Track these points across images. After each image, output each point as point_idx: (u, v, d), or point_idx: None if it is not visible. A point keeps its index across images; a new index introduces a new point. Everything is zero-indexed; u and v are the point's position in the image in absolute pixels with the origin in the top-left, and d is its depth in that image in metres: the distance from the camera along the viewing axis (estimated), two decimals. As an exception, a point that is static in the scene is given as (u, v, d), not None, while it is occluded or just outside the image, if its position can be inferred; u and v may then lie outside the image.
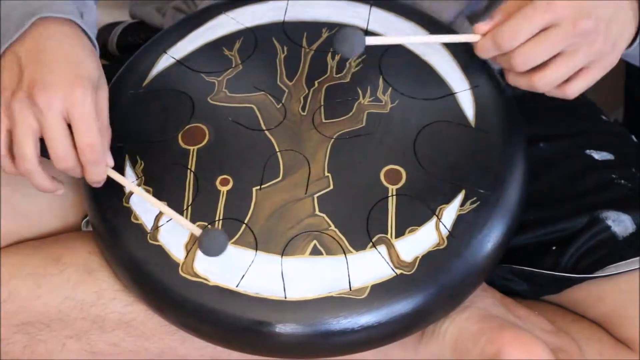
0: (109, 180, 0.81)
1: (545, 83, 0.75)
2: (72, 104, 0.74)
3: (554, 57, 0.74)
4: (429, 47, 0.89)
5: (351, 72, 0.87)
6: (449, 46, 0.89)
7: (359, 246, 0.77)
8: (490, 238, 0.79)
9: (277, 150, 0.82)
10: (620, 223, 0.85)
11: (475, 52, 0.80)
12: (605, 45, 0.74)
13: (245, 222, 0.78)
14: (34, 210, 0.87)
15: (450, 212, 0.79)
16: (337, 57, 0.88)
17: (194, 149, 0.83)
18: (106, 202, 0.81)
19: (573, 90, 0.76)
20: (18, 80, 0.75)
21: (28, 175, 0.77)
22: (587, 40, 0.73)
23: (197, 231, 0.76)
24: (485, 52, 0.76)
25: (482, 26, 0.76)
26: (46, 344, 0.83)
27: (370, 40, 0.80)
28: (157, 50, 0.90)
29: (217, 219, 0.79)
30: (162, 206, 0.78)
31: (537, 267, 0.85)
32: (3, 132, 0.76)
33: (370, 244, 0.77)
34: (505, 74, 0.81)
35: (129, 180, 0.80)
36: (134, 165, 0.82)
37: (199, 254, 0.77)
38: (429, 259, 0.77)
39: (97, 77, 0.77)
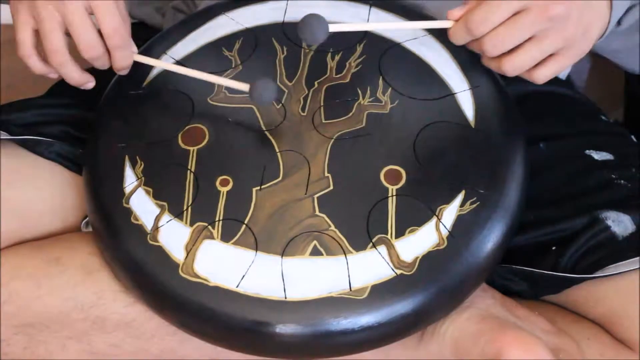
0: (109, 182, 0.81)
1: (513, 67, 0.75)
2: None
3: (525, 41, 0.74)
4: (428, 47, 0.89)
5: (351, 73, 0.87)
6: (449, 46, 0.89)
7: (359, 246, 0.77)
8: (491, 238, 0.79)
9: (277, 150, 0.82)
10: (620, 223, 0.85)
11: (449, 38, 0.80)
12: (576, 31, 0.74)
13: (245, 222, 0.78)
14: (34, 210, 0.87)
15: (450, 213, 0.79)
16: (337, 58, 0.88)
17: (193, 150, 0.83)
18: (106, 202, 0.81)
19: (541, 76, 0.76)
20: None
21: (60, 67, 0.82)
22: (557, 26, 0.72)
23: (245, 86, 0.80)
24: (458, 38, 0.76)
25: (455, 12, 0.76)
26: (46, 345, 0.83)
27: (334, 27, 0.79)
28: (157, 51, 0.90)
29: (217, 219, 0.79)
30: (201, 74, 0.83)
31: (537, 267, 0.85)
32: (29, 32, 0.80)
33: (371, 244, 0.77)
34: (481, 57, 0.81)
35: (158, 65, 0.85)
36: (133, 165, 0.82)
37: (199, 254, 0.77)
38: (429, 259, 0.77)
39: None
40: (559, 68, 0.75)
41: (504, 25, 0.72)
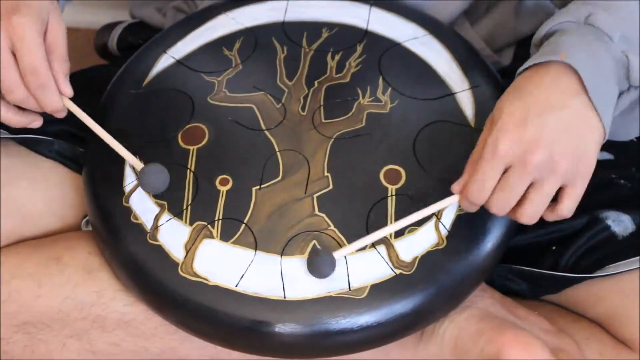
0: (109, 181, 0.81)
1: (529, 218, 0.74)
2: (13, 31, 0.74)
3: (528, 189, 0.73)
4: (428, 47, 0.89)
5: (351, 72, 0.87)
6: (449, 46, 0.89)
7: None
8: (490, 238, 0.79)
9: (277, 150, 0.82)
10: (620, 223, 0.85)
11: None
12: (570, 162, 0.72)
13: (245, 221, 0.78)
14: (34, 210, 0.87)
15: (449, 212, 0.79)
16: (337, 57, 0.88)
17: (193, 149, 0.83)
18: (106, 201, 0.81)
19: (565, 212, 0.74)
20: None
21: None
22: (546, 169, 0.71)
23: (139, 165, 0.78)
24: (469, 209, 0.76)
25: (455, 186, 0.75)
26: (46, 344, 0.83)
27: (338, 254, 0.76)
28: (157, 50, 0.90)
29: (216, 218, 0.79)
30: (103, 133, 0.80)
31: (537, 267, 0.85)
32: None
33: (370, 243, 0.77)
34: None
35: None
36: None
37: (199, 253, 0.77)
38: (429, 259, 0.77)
39: (43, 6, 0.76)
40: (576, 198, 0.74)
41: (498, 189, 0.72)
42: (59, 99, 0.78)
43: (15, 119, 0.79)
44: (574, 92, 0.72)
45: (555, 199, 0.74)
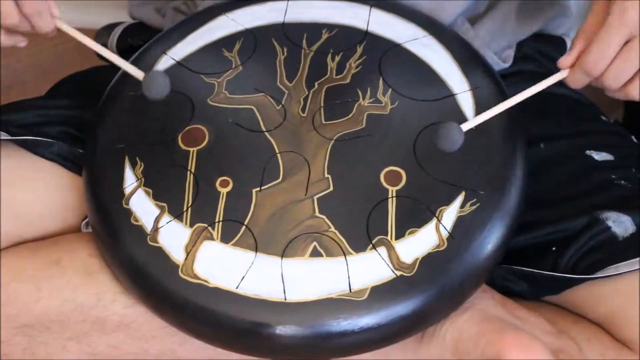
0: (109, 183, 0.81)
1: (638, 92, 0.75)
2: None
3: None
4: (429, 48, 0.89)
5: (351, 74, 0.87)
6: (449, 47, 0.89)
7: (359, 248, 0.77)
8: (491, 239, 0.79)
9: (277, 151, 0.82)
10: (620, 224, 0.85)
11: (568, 85, 0.79)
12: None
13: (245, 223, 0.78)
14: (34, 211, 0.87)
15: (450, 214, 0.79)
16: (337, 58, 0.88)
17: (193, 151, 0.83)
18: (106, 203, 0.81)
19: None
20: None
21: None
22: None
23: (140, 74, 0.80)
24: (578, 83, 0.76)
25: (566, 60, 0.76)
26: (46, 346, 0.83)
27: (466, 125, 0.78)
28: (156, 52, 0.90)
29: (217, 220, 0.79)
30: (99, 48, 0.84)
31: (537, 267, 0.85)
32: None
33: (370, 245, 0.77)
34: (605, 91, 0.81)
35: None
36: (133, 166, 0.82)
37: (199, 255, 0.77)
38: (429, 261, 0.77)
39: None
40: None
41: (619, 59, 0.73)
42: (52, 20, 0.83)
43: (3, 40, 0.82)
44: None
45: None
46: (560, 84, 1.03)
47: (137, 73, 0.83)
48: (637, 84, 0.74)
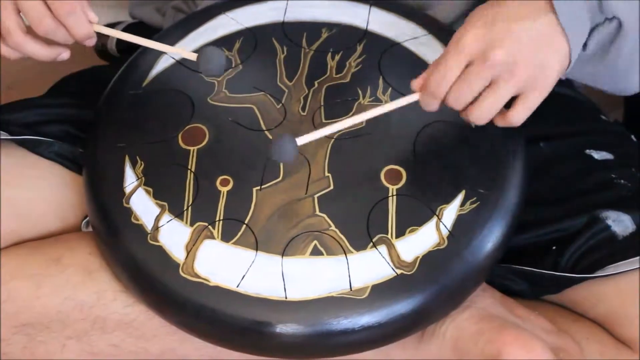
0: (110, 182, 0.81)
1: (479, 116, 0.76)
2: None
3: (484, 90, 0.75)
4: (428, 46, 0.89)
5: (351, 72, 0.87)
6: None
7: (360, 246, 0.77)
8: (491, 238, 0.79)
9: (277, 150, 0.82)
10: (620, 223, 0.85)
11: (422, 108, 0.80)
12: (529, 72, 0.74)
13: (246, 222, 0.78)
14: (34, 210, 0.87)
15: (450, 212, 0.79)
16: (337, 57, 0.88)
17: (194, 150, 0.83)
18: (106, 202, 0.81)
19: (514, 119, 0.77)
20: None
21: (20, 48, 0.80)
22: (505, 71, 0.74)
23: (193, 55, 0.78)
24: (428, 105, 0.78)
25: (415, 83, 0.78)
26: (46, 345, 0.83)
27: (301, 140, 0.76)
28: (156, 51, 0.90)
29: (217, 219, 0.79)
30: (155, 43, 0.81)
31: (537, 267, 0.85)
32: None
33: (371, 244, 0.77)
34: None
35: None
36: (134, 165, 0.82)
37: (200, 254, 0.77)
38: (430, 259, 0.77)
39: None
40: (528, 108, 0.76)
41: (458, 81, 0.75)
42: (89, 24, 0.80)
43: (43, 52, 0.81)
44: (545, 10, 0.74)
45: (508, 107, 0.77)
46: (562, 84, 1.03)
47: (189, 55, 0.80)
48: (474, 109, 0.76)
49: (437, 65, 0.75)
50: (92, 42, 0.82)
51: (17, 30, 0.79)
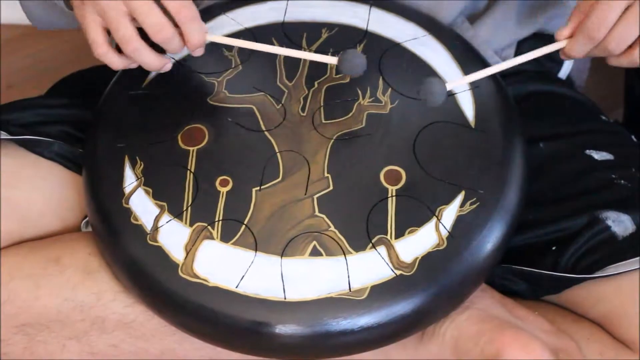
0: (109, 182, 0.81)
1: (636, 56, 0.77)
2: None
3: None
4: (428, 47, 0.89)
5: (351, 73, 0.87)
6: (448, 46, 0.89)
7: (359, 247, 0.77)
8: (490, 239, 0.79)
9: (277, 150, 0.82)
10: (620, 223, 0.85)
11: (564, 57, 0.81)
12: None
13: (245, 222, 0.78)
14: (34, 211, 0.87)
15: (450, 213, 0.79)
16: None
17: (193, 150, 0.83)
18: (106, 202, 0.81)
19: None
20: None
21: (135, 55, 0.80)
22: None
23: (333, 59, 0.80)
24: (579, 50, 0.79)
25: (564, 31, 0.79)
26: (46, 345, 0.83)
27: (450, 85, 0.80)
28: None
29: (216, 219, 0.79)
30: (284, 50, 0.84)
31: (537, 267, 0.85)
32: (100, 30, 0.80)
33: (370, 244, 0.77)
34: (607, 59, 0.82)
35: None
36: (133, 166, 0.82)
37: (199, 254, 0.77)
38: (429, 260, 0.77)
39: None
40: None
41: (622, 23, 0.76)
42: (204, 33, 0.82)
43: (155, 62, 0.82)
44: None
45: None
46: (562, 84, 1.03)
47: (330, 59, 0.82)
48: (638, 49, 0.77)
49: (600, 7, 0.75)
50: (201, 51, 0.84)
51: (136, 37, 0.79)
